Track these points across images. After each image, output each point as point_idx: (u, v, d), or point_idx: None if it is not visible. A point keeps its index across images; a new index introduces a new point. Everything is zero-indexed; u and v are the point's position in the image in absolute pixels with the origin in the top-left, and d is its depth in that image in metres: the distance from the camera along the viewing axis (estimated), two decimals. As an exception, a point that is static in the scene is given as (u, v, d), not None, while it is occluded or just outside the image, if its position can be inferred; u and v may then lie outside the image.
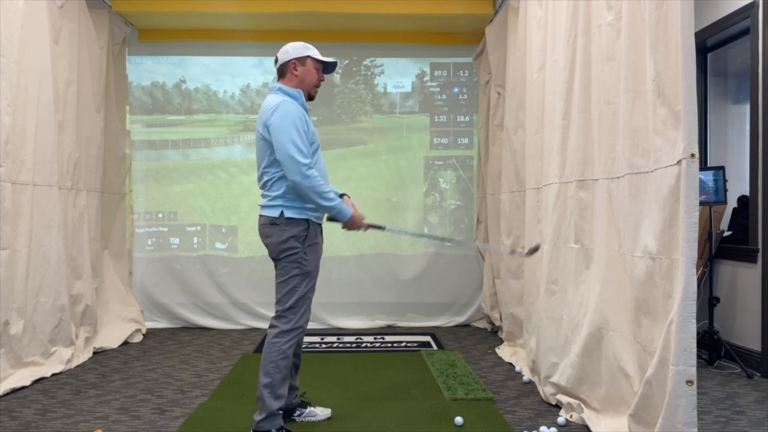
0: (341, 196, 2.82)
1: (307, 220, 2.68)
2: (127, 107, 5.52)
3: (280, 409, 2.65)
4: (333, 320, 5.53)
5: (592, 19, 2.98)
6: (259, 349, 4.64)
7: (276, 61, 2.79)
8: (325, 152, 3.28)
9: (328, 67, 2.84)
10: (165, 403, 3.26)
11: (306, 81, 2.76)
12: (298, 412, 2.91)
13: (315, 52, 2.78)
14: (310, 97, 2.81)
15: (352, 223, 2.71)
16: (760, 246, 3.85)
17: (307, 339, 4.90)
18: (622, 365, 2.66)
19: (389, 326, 5.59)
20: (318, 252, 2.75)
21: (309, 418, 2.90)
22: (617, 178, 2.73)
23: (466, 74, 5.80)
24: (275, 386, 2.62)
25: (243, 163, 5.67)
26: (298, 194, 2.64)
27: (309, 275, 2.69)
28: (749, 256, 3.95)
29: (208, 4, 5.06)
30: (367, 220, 2.78)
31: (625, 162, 2.63)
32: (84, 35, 4.48)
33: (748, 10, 3.95)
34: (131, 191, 5.54)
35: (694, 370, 2.17)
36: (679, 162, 2.24)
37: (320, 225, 2.79)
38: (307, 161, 2.58)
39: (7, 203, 3.57)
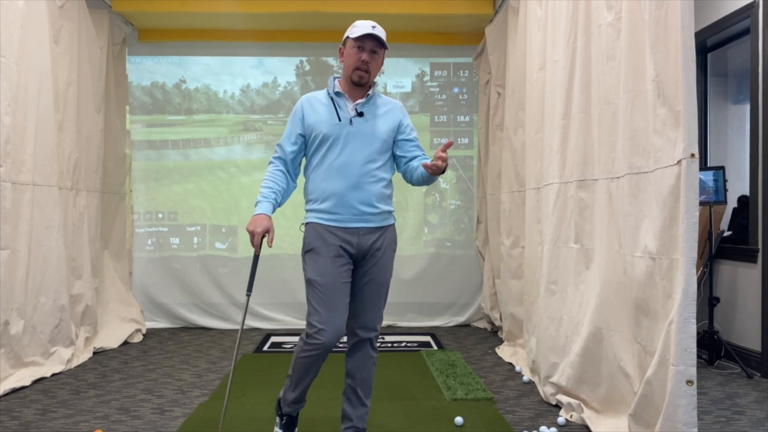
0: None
1: (307, 224, 2.48)
2: (127, 107, 5.52)
3: (296, 403, 2.52)
4: (333, 320, 5.52)
5: (592, 19, 2.98)
6: (258, 349, 4.64)
7: None
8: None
9: (370, 41, 2.40)
10: (165, 403, 3.26)
11: (347, 65, 2.45)
12: None
13: (354, 31, 2.40)
14: (356, 83, 2.45)
15: (250, 224, 2.41)
16: (760, 246, 3.85)
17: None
18: (622, 365, 2.66)
19: (389, 326, 5.59)
20: (320, 257, 2.38)
21: None
22: (617, 178, 2.73)
23: (466, 74, 5.80)
24: (293, 382, 2.48)
25: (243, 163, 5.67)
26: (306, 194, 2.52)
27: (310, 283, 2.38)
28: (749, 256, 3.95)
29: (208, 4, 5.06)
30: (262, 246, 2.40)
31: (625, 162, 2.63)
32: (84, 35, 4.48)
33: (748, 10, 3.94)
34: (131, 191, 5.54)
35: (694, 370, 2.17)
36: (679, 162, 2.24)
37: (336, 226, 2.40)
38: (277, 153, 2.51)
39: (7, 203, 3.57)
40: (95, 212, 4.73)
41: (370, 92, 2.49)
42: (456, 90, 5.81)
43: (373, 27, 2.39)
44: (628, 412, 2.51)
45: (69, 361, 4.00)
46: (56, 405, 3.23)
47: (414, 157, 2.57)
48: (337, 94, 2.47)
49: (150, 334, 5.19)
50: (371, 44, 2.40)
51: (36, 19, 3.84)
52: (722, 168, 3.95)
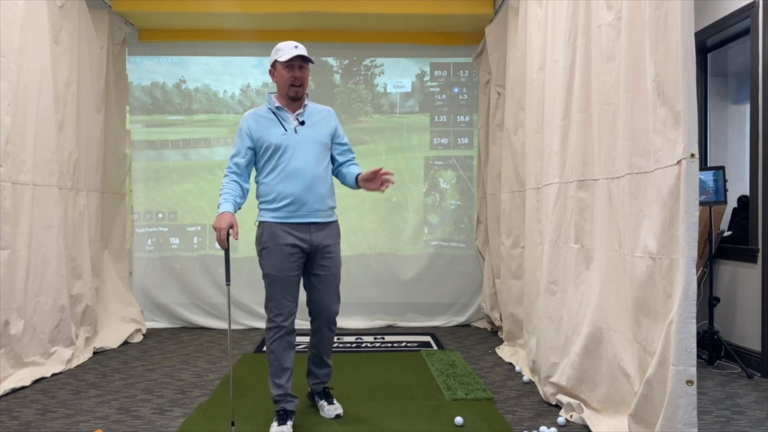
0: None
1: (263, 222, 2.80)
2: (127, 107, 5.52)
3: (281, 396, 2.81)
4: (333, 320, 5.53)
5: (592, 19, 2.98)
6: (258, 349, 4.64)
7: None
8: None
9: (298, 60, 2.76)
10: (165, 403, 3.27)
11: (281, 84, 2.83)
12: (316, 398, 3.11)
13: (281, 54, 2.76)
14: (292, 98, 2.81)
15: (216, 222, 2.63)
16: (760, 246, 3.85)
17: (307, 339, 4.89)
18: (622, 365, 2.66)
19: (389, 326, 5.59)
20: (275, 255, 2.73)
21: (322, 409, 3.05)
22: (617, 178, 2.73)
23: (466, 74, 5.80)
24: (272, 376, 2.84)
25: (243, 163, 5.66)
26: (259, 196, 2.84)
27: (268, 277, 2.77)
28: (749, 256, 3.95)
29: (208, 4, 5.06)
30: (231, 240, 2.65)
31: (625, 162, 2.63)
32: (84, 35, 4.48)
33: (748, 10, 3.95)
34: (131, 191, 5.54)
35: (694, 370, 2.17)
36: (679, 162, 2.24)
37: (291, 223, 2.74)
38: (231, 168, 2.82)
39: (7, 203, 3.57)
40: (95, 212, 4.73)
41: (305, 102, 2.87)
42: (456, 90, 5.81)
43: (296, 47, 2.75)
44: (628, 412, 2.51)
45: (69, 361, 4.00)
46: (56, 405, 3.23)
47: (345, 161, 2.98)
48: (278, 108, 2.83)
49: (150, 334, 5.19)
50: (299, 62, 2.77)
51: (36, 19, 3.84)
52: (722, 168, 3.95)
